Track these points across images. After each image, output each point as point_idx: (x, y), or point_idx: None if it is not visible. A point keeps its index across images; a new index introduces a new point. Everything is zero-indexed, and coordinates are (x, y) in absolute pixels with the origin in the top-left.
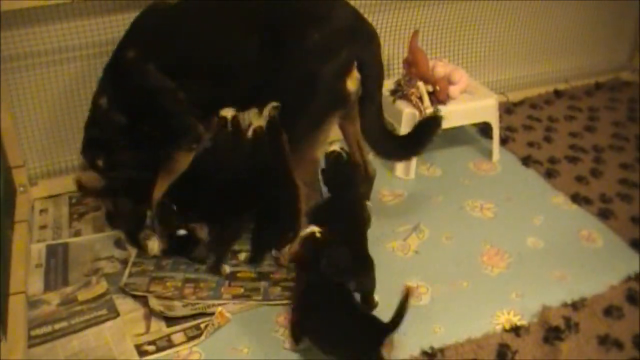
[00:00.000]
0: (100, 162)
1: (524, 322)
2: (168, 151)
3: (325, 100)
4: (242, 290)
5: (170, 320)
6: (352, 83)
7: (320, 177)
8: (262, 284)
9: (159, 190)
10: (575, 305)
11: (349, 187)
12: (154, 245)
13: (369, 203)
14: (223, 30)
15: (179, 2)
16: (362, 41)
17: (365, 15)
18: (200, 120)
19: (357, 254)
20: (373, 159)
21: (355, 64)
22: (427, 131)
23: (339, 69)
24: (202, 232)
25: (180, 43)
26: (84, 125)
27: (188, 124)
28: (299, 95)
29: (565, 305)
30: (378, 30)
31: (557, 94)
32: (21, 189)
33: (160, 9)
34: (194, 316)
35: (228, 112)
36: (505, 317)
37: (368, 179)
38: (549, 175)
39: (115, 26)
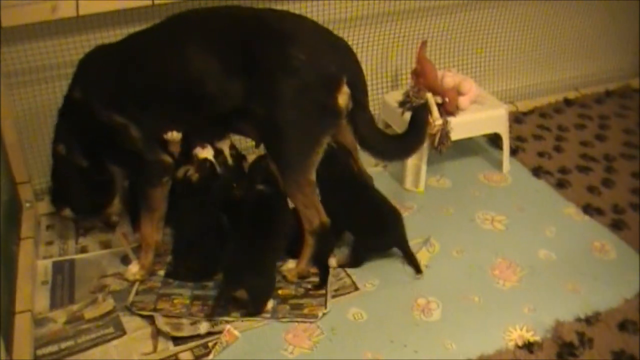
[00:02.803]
0: (67, 212)
1: (536, 338)
2: (141, 188)
3: (318, 120)
4: None
5: (178, 339)
6: (342, 99)
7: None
8: (270, 302)
9: (149, 229)
10: (589, 320)
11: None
12: (135, 269)
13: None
14: (178, 60)
15: (126, 38)
16: (345, 55)
17: (372, 27)
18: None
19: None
20: (383, 173)
21: (345, 79)
22: (419, 121)
23: (329, 86)
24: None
25: (127, 77)
26: (50, 175)
27: (150, 159)
28: (289, 118)
29: (578, 319)
30: (385, 42)
31: (567, 102)
32: (27, 204)
33: (106, 46)
34: (201, 335)
35: (208, 153)
36: (518, 333)
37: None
38: (560, 185)
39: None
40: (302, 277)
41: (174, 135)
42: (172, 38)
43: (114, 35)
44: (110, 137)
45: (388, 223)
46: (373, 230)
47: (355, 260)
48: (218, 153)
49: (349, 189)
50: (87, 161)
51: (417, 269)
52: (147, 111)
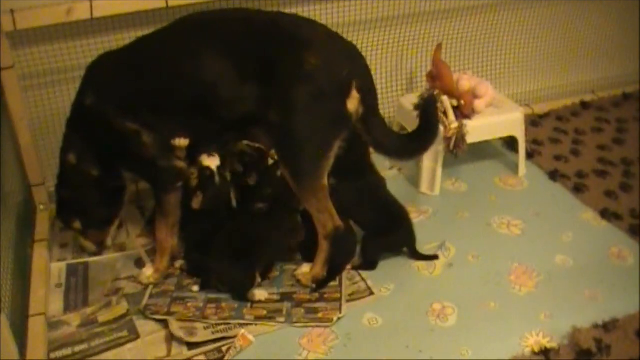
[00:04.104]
0: (77, 225)
1: (553, 345)
2: (155, 194)
3: (330, 125)
4: (264, 312)
5: (192, 343)
6: (352, 104)
7: None
8: (285, 305)
9: (164, 234)
10: (607, 327)
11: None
12: (149, 272)
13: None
14: (191, 65)
15: (134, 42)
16: (355, 60)
17: (388, 30)
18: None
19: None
20: (398, 176)
21: (354, 84)
22: (430, 114)
23: (340, 91)
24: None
25: (139, 83)
26: (55, 186)
27: (161, 165)
28: (302, 123)
29: (596, 326)
30: (400, 45)
31: (584, 105)
32: (41, 207)
33: (114, 52)
34: (215, 339)
35: (213, 162)
36: (535, 339)
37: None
38: (577, 190)
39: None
40: (317, 281)
41: (182, 142)
42: (184, 43)
43: (128, 37)
44: (122, 144)
45: (397, 220)
46: (382, 226)
47: (368, 260)
48: (224, 163)
49: (361, 182)
50: (98, 170)
51: (430, 258)
52: (159, 117)
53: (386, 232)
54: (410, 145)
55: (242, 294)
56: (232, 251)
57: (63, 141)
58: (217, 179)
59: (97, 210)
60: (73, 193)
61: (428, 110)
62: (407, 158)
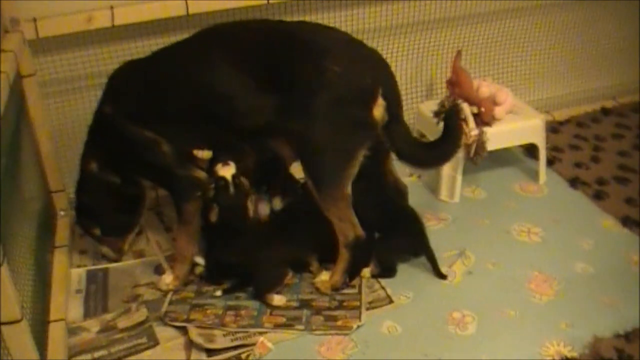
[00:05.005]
0: (97, 231)
1: (574, 354)
2: (174, 203)
3: (353, 133)
4: (283, 319)
5: (211, 350)
6: (378, 111)
7: None
8: (304, 313)
9: (184, 242)
10: (628, 337)
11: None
12: (168, 279)
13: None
14: (209, 76)
15: (155, 52)
16: (379, 67)
17: (407, 36)
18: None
19: None
20: (417, 183)
21: (380, 91)
22: (453, 124)
23: (364, 99)
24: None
25: (158, 93)
26: (75, 191)
27: (180, 175)
28: (324, 132)
29: (617, 335)
30: (420, 51)
31: (605, 111)
32: (61, 213)
33: (135, 61)
34: (234, 347)
35: (227, 171)
36: (555, 349)
37: (400, 195)
38: (598, 197)
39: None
40: (336, 289)
41: (204, 154)
42: (202, 53)
43: (148, 45)
44: (141, 152)
45: (405, 224)
46: (397, 229)
47: (386, 266)
48: (239, 173)
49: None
50: (119, 178)
51: (440, 275)
52: (178, 127)
53: (394, 236)
54: (433, 154)
55: (262, 293)
56: (267, 241)
57: (84, 149)
58: (231, 189)
59: (116, 217)
60: (94, 200)
61: (451, 119)
62: (428, 167)
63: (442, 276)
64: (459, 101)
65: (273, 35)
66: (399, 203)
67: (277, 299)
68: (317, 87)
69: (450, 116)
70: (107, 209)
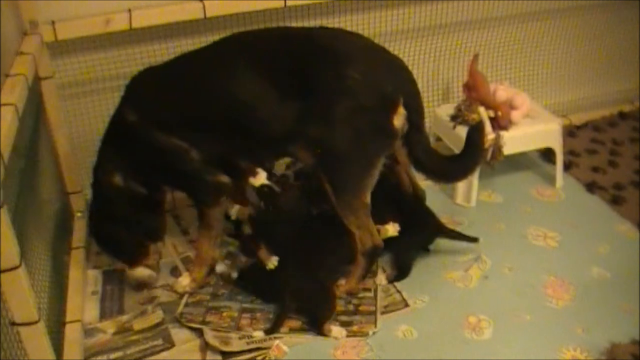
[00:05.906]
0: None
1: None
2: (198, 208)
3: (373, 141)
4: (299, 323)
5: (226, 353)
6: (398, 120)
7: None
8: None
9: (206, 246)
10: None
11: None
12: (185, 281)
13: None
14: (230, 84)
15: (176, 59)
16: (401, 75)
17: (424, 40)
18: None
19: None
20: (433, 187)
21: (401, 99)
22: (475, 141)
23: (385, 107)
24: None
25: (181, 100)
26: (90, 208)
27: (207, 180)
28: (344, 139)
29: (634, 342)
30: (437, 55)
31: (622, 115)
32: (78, 214)
33: (155, 68)
34: (249, 350)
35: (261, 179)
36: (571, 354)
37: (418, 200)
38: (615, 202)
39: (172, 53)
40: (351, 294)
41: (257, 180)
42: (223, 60)
43: (165, 48)
44: (170, 160)
45: (416, 218)
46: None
47: (400, 266)
48: (270, 175)
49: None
50: (146, 189)
51: (472, 239)
52: (204, 134)
53: (411, 232)
54: (451, 168)
55: (320, 323)
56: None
57: (98, 161)
58: (276, 188)
59: (145, 228)
60: (121, 218)
61: (475, 135)
62: (445, 181)
63: (474, 239)
64: (476, 105)
65: (294, 42)
66: (412, 200)
67: (336, 331)
68: (337, 95)
69: (474, 132)
70: (136, 226)
